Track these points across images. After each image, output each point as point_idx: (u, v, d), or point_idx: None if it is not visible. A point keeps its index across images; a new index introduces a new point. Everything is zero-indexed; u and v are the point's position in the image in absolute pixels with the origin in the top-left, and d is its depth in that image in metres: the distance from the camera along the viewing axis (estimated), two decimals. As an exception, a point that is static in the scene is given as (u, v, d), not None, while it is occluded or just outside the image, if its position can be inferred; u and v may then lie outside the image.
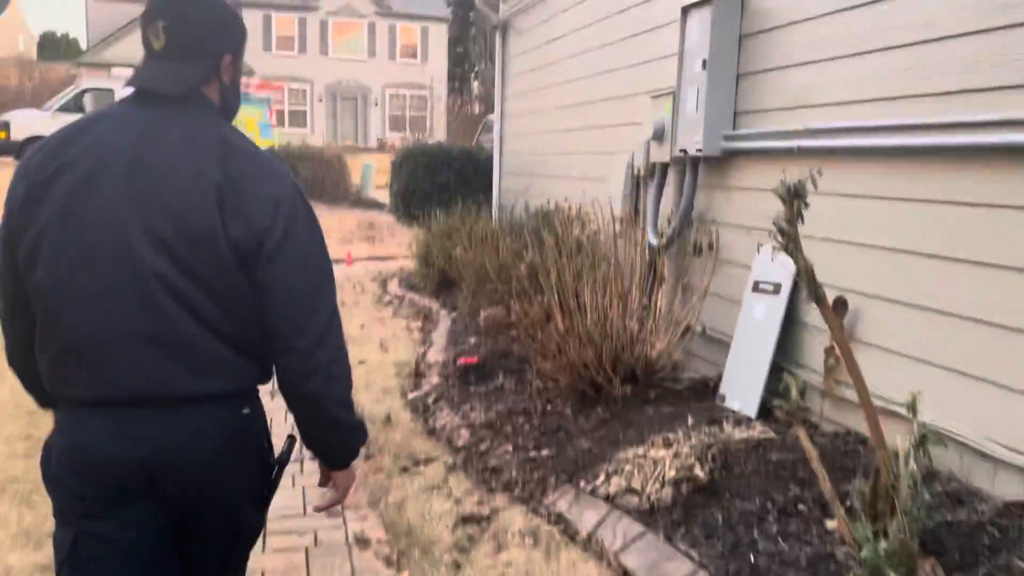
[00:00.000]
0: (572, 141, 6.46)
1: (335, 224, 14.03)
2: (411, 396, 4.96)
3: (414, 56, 37.07)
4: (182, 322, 1.52)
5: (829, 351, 3.42)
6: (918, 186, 3.03)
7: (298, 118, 35.35)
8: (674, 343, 4.22)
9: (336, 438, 1.73)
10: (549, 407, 4.27)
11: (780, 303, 3.69)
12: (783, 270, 3.71)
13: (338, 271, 9.03)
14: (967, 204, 2.82)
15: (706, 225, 4.41)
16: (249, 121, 20.90)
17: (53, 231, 1.51)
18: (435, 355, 5.70)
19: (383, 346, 6.15)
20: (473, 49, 39.89)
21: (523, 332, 4.58)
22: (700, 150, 4.21)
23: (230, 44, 1.66)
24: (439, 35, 37.58)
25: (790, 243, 2.38)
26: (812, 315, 3.56)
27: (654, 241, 4.65)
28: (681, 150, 4.41)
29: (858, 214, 3.29)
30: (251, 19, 34.15)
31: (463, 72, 45.42)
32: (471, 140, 17.50)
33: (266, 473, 1.72)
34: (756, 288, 3.87)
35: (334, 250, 11.66)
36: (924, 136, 2.97)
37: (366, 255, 11.18)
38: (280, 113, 33.85)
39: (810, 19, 3.59)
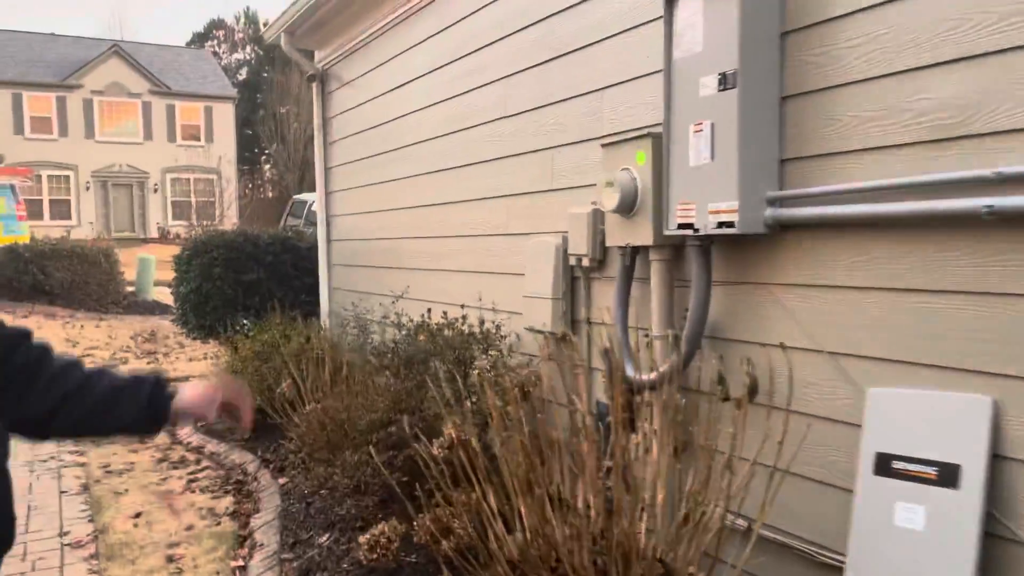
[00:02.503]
0: (449, 220, 4.57)
1: (102, 337, 11.14)
2: None
3: (197, 137, 33.85)
4: None
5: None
6: None
7: (61, 208, 30.94)
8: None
9: None
10: None
11: (967, 504, 1.95)
12: (959, 438, 1.99)
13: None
14: None
15: (731, 347, 2.66)
16: (-11, 212, 17.29)
17: None
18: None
19: (172, 560, 3.81)
20: (263, 131, 37.20)
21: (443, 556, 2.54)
22: (728, 224, 2.47)
23: None
24: (225, 114, 34.69)
25: None
26: (1051, 530, 1.84)
27: (640, 376, 2.83)
28: (683, 225, 2.66)
29: None
30: (-2, 98, 29.77)
31: (253, 155, 42.47)
32: (272, 227, 15.14)
33: None
34: (887, 469, 2.12)
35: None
36: None
37: (146, 379, 8.50)
38: (38, 203, 29.50)
39: (965, -19, 1.98)
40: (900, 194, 2.12)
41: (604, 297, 3.30)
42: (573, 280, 3.48)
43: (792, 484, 2.38)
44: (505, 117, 3.99)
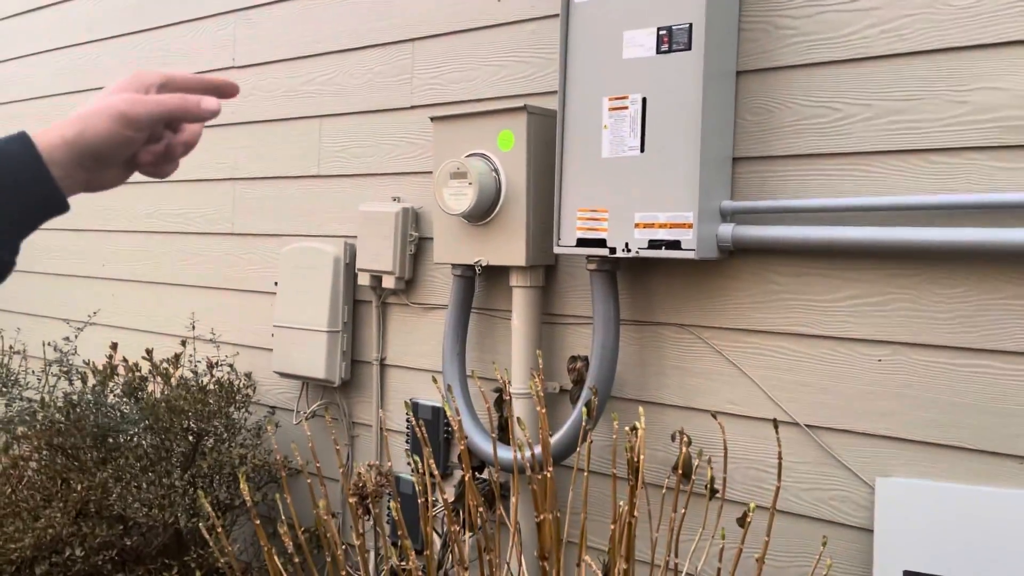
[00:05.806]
0: (127, 206, 3.17)
1: None
2: None
3: None
4: None
5: None
6: None
7: None
8: None
9: None
10: None
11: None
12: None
13: None
14: None
15: (646, 412, 1.92)
16: None
17: None
18: None
19: None
20: None
21: None
22: (672, 244, 1.72)
23: None
24: None
25: None
26: None
27: (506, 455, 1.95)
28: (586, 241, 1.85)
29: None
30: None
31: None
32: None
33: None
34: (924, 591, 1.55)
35: None
36: None
37: None
38: None
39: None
40: (928, 216, 1.56)
41: (410, 331, 2.35)
42: (356, 304, 2.47)
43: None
44: (234, 67, 2.79)
